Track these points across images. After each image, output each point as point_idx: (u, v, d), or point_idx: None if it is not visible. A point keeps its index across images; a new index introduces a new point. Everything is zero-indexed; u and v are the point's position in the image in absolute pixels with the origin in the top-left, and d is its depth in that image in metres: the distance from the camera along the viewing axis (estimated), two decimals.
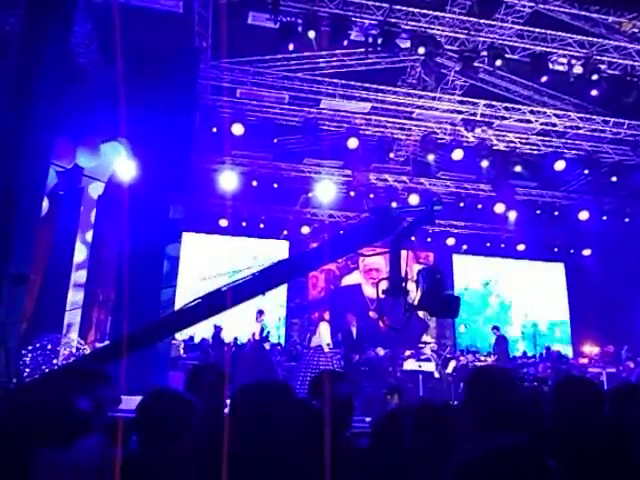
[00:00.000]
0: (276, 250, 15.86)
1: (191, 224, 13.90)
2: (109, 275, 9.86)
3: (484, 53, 10.00)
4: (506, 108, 12.29)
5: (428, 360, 12.16)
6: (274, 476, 1.87)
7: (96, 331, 10.12)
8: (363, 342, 11.81)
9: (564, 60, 10.14)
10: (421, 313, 13.20)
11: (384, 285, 3.21)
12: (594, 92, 10.34)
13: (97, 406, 2.32)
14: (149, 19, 9.40)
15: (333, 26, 9.23)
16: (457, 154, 12.72)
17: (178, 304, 9.01)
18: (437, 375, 11.83)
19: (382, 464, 2.31)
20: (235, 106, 12.13)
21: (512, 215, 15.14)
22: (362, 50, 10.25)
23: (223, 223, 15.34)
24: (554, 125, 12.66)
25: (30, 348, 7.15)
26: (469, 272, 17.98)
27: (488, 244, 17.29)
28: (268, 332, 12.17)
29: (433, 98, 12.16)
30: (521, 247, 17.23)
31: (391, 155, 13.66)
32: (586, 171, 13.55)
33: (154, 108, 8.39)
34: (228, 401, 2.37)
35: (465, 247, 17.44)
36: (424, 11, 9.59)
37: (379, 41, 9.42)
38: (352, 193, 14.61)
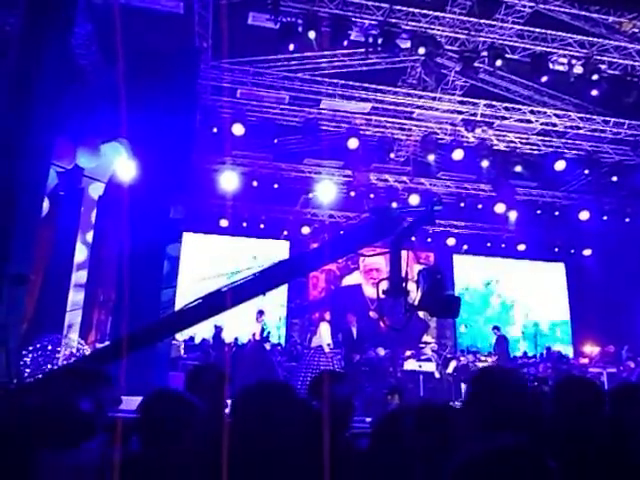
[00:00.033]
0: (276, 250, 15.86)
1: (191, 224, 13.90)
2: (109, 275, 9.86)
3: (484, 53, 10.00)
4: (506, 108, 12.29)
5: (429, 360, 12.16)
6: (274, 476, 1.87)
7: (96, 331, 10.12)
8: (363, 342, 11.81)
9: (564, 60, 10.14)
10: (421, 313, 13.20)
11: (384, 285, 3.21)
12: (594, 92, 10.34)
13: (98, 407, 2.32)
14: (149, 20, 9.40)
15: (333, 26, 9.23)
16: (457, 154, 12.72)
17: (178, 304, 9.01)
18: (437, 375, 11.83)
19: (382, 465, 2.31)
20: (235, 106, 12.14)
21: (512, 215, 15.14)
22: (362, 50, 10.25)
23: (223, 223, 15.34)
24: (554, 125, 12.66)
25: (30, 349, 7.14)
26: (469, 272, 17.98)
27: (488, 244, 17.29)
28: (268, 332, 12.18)
29: (433, 98, 12.16)
30: (521, 247, 17.23)
31: (391, 155, 13.65)
32: (586, 171, 13.55)
33: (154, 108, 8.39)
34: (229, 401, 2.37)
35: (465, 247, 17.44)
36: (424, 11, 9.59)
37: (379, 41, 9.42)
38: (352, 193, 14.61)
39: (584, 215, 14.77)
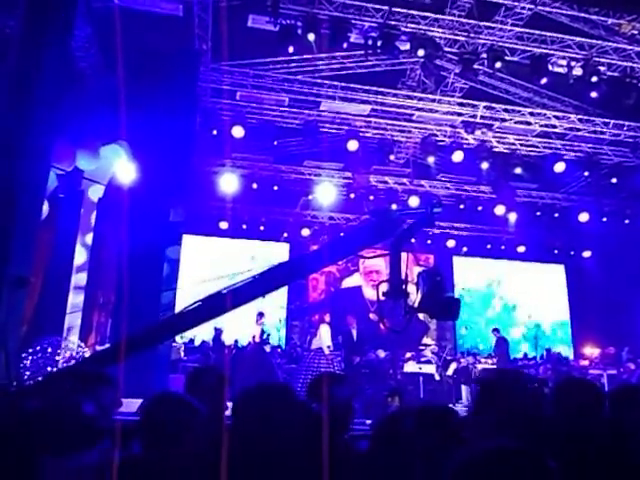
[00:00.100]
0: (276, 252, 15.87)
1: (191, 226, 13.89)
2: (109, 278, 9.86)
3: (484, 55, 10.01)
4: (506, 110, 12.30)
5: (429, 362, 12.15)
6: (274, 478, 1.87)
7: (96, 334, 10.11)
8: (363, 344, 11.79)
9: (564, 62, 10.15)
10: (421, 315, 13.20)
11: (384, 287, 3.21)
12: (594, 94, 10.35)
13: (102, 410, 2.32)
14: (149, 22, 9.41)
15: (333, 29, 9.25)
16: (457, 156, 12.72)
17: (178, 307, 9.01)
18: (438, 377, 11.83)
19: (382, 466, 2.31)
20: (235, 109, 12.15)
21: (512, 217, 15.15)
22: (362, 52, 10.26)
23: (223, 225, 15.35)
24: (554, 127, 12.67)
25: (30, 351, 7.13)
26: (469, 274, 17.98)
27: (488, 246, 17.29)
28: (268, 334, 12.17)
29: (433, 100, 12.17)
30: (521, 249, 17.23)
31: (391, 157, 13.66)
32: (586, 173, 13.56)
33: (154, 111, 8.39)
34: (229, 404, 2.37)
35: (465, 249, 17.43)
36: (424, 13, 9.61)
37: (379, 43, 9.43)
38: (352, 195, 14.61)
39: (584, 217, 14.78)
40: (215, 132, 12.05)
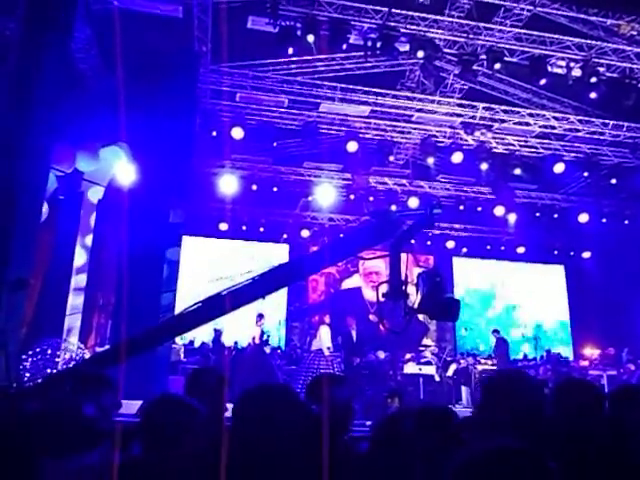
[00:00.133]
0: (276, 254, 15.87)
1: (191, 228, 13.90)
2: (109, 279, 9.85)
3: (483, 56, 10.02)
4: (505, 111, 12.31)
5: (428, 363, 12.16)
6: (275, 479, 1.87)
7: (96, 335, 10.10)
8: (363, 345, 11.80)
9: (563, 63, 10.16)
10: (421, 316, 13.20)
11: (384, 288, 3.21)
12: (593, 95, 10.35)
13: (102, 412, 2.32)
14: (149, 24, 9.42)
15: (332, 30, 9.25)
16: (457, 157, 12.73)
17: (178, 308, 9.01)
18: (437, 378, 11.83)
19: (382, 467, 2.31)
20: (235, 110, 12.15)
21: (512, 218, 15.15)
22: (361, 54, 10.27)
23: (223, 227, 15.35)
24: (553, 128, 12.68)
25: (30, 353, 7.13)
26: (469, 275, 17.98)
27: (488, 247, 17.29)
28: (268, 336, 12.17)
29: (432, 101, 12.18)
30: (521, 250, 17.24)
31: (391, 158, 13.68)
32: (585, 173, 13.57)
33: (154, 112, 8.39)
34: (229, 405, 2.37)
35: (465, 250, 17.44)
36: (423, 15, 9.62)
37: (378, 45, 9.44)
38: (352, 196, 14.61)
39: (583, 217, 14.79)
40: (215, 133, 12.06)
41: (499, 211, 14.66)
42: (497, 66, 9.86)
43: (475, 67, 10.17)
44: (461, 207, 14.96)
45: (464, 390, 11.92)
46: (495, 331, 13.19)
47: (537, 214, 15.28)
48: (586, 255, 17.16)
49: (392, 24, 9.46)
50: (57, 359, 7.41)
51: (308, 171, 14.52)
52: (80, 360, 7.52)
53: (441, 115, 12.48)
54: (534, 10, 9.47)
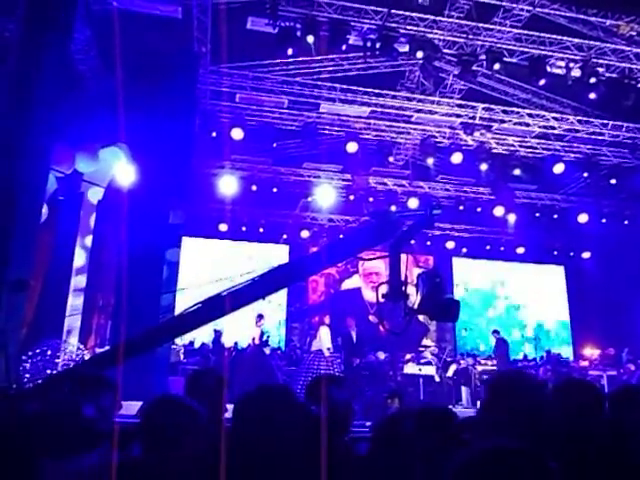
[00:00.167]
0: (276, 254, 15.87)
1: (191, 229, 13.90)
2: (109, 280, 9.85)
3: (482, 57, 10.02)
4: (505, 111, 12.31)
5: (428, 364, 12.15)
6: None
7: (96, 336, 10.10)
8: (363, 346, 11.79)
9: (562, 63, 10.16)
10: (421, 317, 13.19)
11: (384, 289, 3.21)
12: (592, 95, 10.35)
13: (102, 413, 2.31)
14: (148, 24, 9.42)
15: (332, 31, 9.25)
16: (456, 157, 12.73)
17: (178, 309, 9.00)
18: (437, 379, 11.83)
19: (382, 468, 2.31)
20: (234, 111, 12.15)
21: (512, 218, 15.15)
22: (361, 55, 10.29)
23: (223, 228, 15.35)
24: (553, 128, 12.69)
25: (30, 354, 7.13)
26: (469, 275, 17.99)
27: (488, 247, 17.30)
28: (268, 336, 12.16)
29: (432, 102, 12.18)
30: (521, 250, 17.24)
31: (390, 159, 13.69)
32: (585, 174, 13.57)
33: (153, 113, 8.39)
34: (229, 406, 2.37)
35: (465, 250, 17.45)
36: (422, 15, 9.63)
37: (378, 45, 9.44)
38: (352, 197, 14.62)
39: (583, 218, 14.79)
40: (214, 134, 12.06)
41: (499, 211, 14.66)
42: (496, 66, 9.86)
43: (474, 67, 10.18)
44: (461, 207, 14.96)
45: (464, 390, 11.92)
46: (495, 331, 13.20)
47: (537, 214, 15.28)
48: (586, 255, 17.16)
49: (391, 25, 9.47)
50: (57, 360, 7.41)
51: (308, 172, 14.53)
52: (80, 361, 7.51)
53: (441, 116, 12.48)
54: (533, 10, 9.47)
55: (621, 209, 15.04)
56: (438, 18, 9.69)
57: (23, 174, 4.48)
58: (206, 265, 15.32)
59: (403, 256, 3.24)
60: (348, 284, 17.34)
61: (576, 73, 10.08)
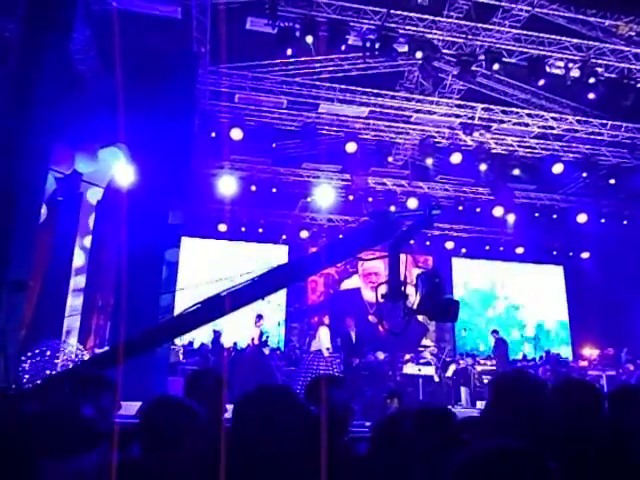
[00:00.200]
0: (275, 255, 15.86)
1: (190, 229, 13.90)
2: (108, 280, 9.84)
3: (481, 57, 10.03)
4: (504, 112, 12.32)
5: (428, 364, 12.16)
6: None
7: (95, 336, 10.10)
8: (363, 346, 11.79)
9: (561, 63, 10.17)
10: (420, 317, 13.19)
11: (383, 289, 3.21)
12: (591, 95, 10.36)
13: (101, 413, 2.31)
14: (148, 25, 9.42)
15: (331, 31, 9.26)
16: (455, 158, 12.73)
17: (177, 309, 9.00)
18: (437, 379, 11.83)
19: (382, 468, 2.31)
20: (234, 111, 12.15)
21: (511, 218, 15.16)
22: (360, 55, 10.29)
23: (222, 228, 15.35)
24: (552, 128, 12.70)
25: (29, 354, 7.12)
26: (468, 275, 18.00)
27: (487, 247, 17.30)
28: (267, 337, 12.16)
29: (431, 102, 12.18)
30: (520, 250, 17.25)
31: (390, 159, 13.69)
32: (584, 174, 13.58)
33: (153, 113, 8.39)
34: (228, 406, 2.37)
35: (464, 250, 17.45)
36: (421, 16, 9.63)
37: (377, 46, 9.44)
38: (351, 197, 14.63)
39: (582, 218, 14.80)
40: (214, 134, 12.05)
41: (498, 211, 14.67)
42: (496, 67, 9.87)
43: (474, 68, 10.18)
44: (460, 208, 14.96)
45: (463, 391, 11.93)
46: (494, 331, 13.21)
47: (536, 214, 15.29)
48: (585, 255, 17.17)
49: (391, 25, 9.47)
50: (56, 360, 7.40)
51: (307, 172, 14.53)
52: (79, 361, 7.51)
53: (440, 116, 12.48)
54: (532, 11, 9.48)
55: (620, 209, 15.05)
56: (437, 18, 9.70)
57: (23, 174, 4.48)
58: (205, 265, 15.31)
59: (402, 256, 3.25)
60: (347, 284, 17.34)
61: (575, 73, 10.09)
